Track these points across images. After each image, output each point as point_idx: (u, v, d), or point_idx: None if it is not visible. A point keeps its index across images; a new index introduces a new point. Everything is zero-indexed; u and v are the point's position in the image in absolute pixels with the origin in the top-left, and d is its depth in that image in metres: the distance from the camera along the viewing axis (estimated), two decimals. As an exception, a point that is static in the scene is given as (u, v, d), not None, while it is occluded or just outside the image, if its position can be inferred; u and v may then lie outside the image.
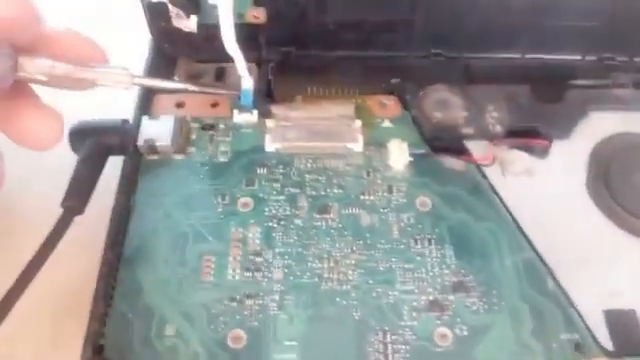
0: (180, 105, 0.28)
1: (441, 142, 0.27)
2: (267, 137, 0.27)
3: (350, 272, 0.23)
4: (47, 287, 0.23)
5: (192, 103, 0.28)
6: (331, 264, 0.23)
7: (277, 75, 0.29)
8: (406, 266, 0.23)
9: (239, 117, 0.27)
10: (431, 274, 0.23)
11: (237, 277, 0.23)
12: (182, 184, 0.26)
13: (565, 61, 0.30)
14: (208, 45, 0.27)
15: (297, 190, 0.25)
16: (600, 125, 0.28)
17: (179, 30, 0.27)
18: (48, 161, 0.28)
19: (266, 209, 0.25)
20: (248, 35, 0.26)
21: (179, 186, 0.25)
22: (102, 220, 0.24)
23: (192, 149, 0.27)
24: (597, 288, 0.23)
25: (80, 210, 0.24)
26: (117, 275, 0.23)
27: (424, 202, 0.25)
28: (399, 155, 0.26)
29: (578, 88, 0.29)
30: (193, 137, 0.27)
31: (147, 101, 0.28)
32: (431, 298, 0.23)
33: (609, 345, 0.22)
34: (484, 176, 0.26)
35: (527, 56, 0.30)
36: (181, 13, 0.26)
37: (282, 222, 0.24)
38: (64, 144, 0.26)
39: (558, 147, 0.27)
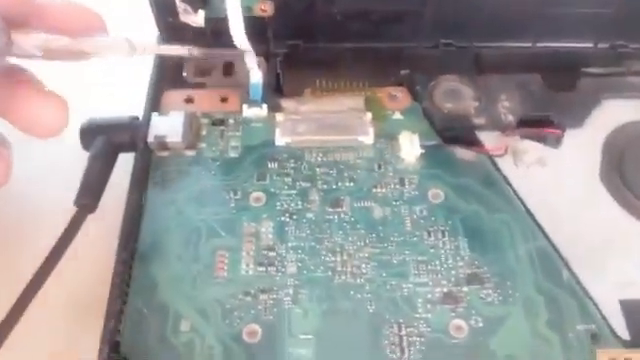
0: (189, 100, 0.28)
1: (452, 133, 0.27)
2: (277, 131, 0.27)
3: (363, 265, 0.23)
4: (62, 285, 0.23)
5: (201, 98, 0.28)
6: (344, 257, 0.23)
7: (286, 69, 0.29)
8: (420, 258, 0.23)
9: (249, 111, 0.27)
10: (445, 266, 0.23)
11: (251, 272, 0.23)
12: (193, 180, 0.25)
13: (577, 49, 0.30)
14: (216, 40, 0.27)
15: (308, 184, 0.25)
16: (613, 113, 0.27)
17: (187, 25, 0.27)
18: (60, 159, 0.28)
19: (278, 203, 0.25)
20: (256, 29, 0.26)
21: (191, 182, 0.25)
22: (115, 217, 0.24)
23: (202, 145, 0.27)
24: (612, 278, 0.23)
25: (93, 208, 0.24)
26: (131, 272, 0.23)
27: (436, 194, 0.25)
28: (410, 147, 0.26)
29: (591, 76, 0.29)
30: (203, 133, 0.27)
31: (156, 98, 0.28)
32: (445, 290, 0.22)
33: (625, 335, 0.22)
34: (496, 167, 0.26)
35: (538, 44, 0.30)
36: (189, 8, 0.26)
37: (294, 216, 0.24)
38: (76, 143, 0.26)
39: (571, 136, 0.27)
